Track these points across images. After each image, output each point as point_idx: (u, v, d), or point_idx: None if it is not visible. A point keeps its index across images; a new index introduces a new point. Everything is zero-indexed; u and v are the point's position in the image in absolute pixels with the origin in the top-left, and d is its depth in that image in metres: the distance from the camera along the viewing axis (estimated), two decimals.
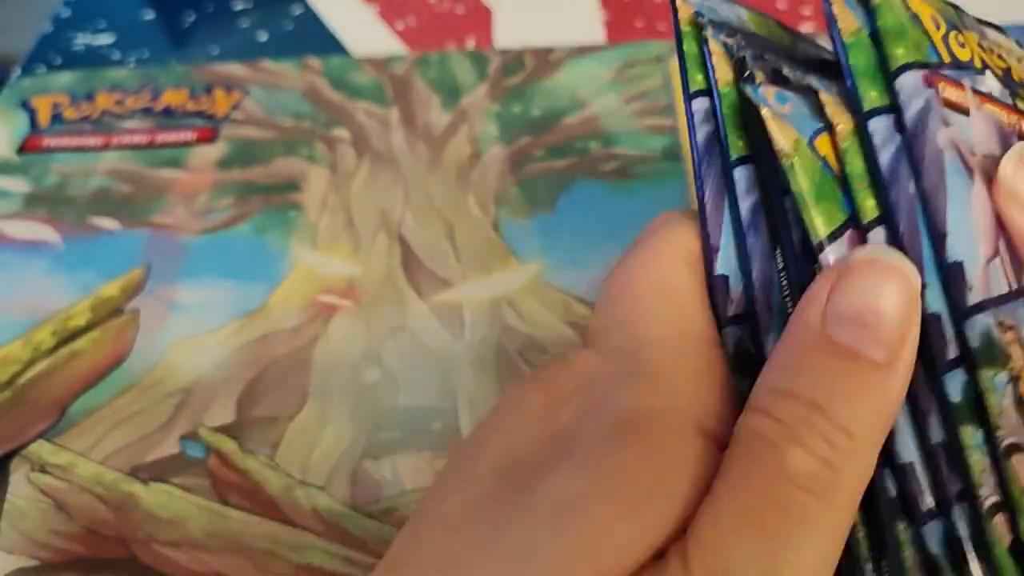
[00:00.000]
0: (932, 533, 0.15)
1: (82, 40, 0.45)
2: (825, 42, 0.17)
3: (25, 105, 0.41)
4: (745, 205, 0.16)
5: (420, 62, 0.41)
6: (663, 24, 0.42)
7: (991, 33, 0.18)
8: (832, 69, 0.16)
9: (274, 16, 0.45)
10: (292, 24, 0.45)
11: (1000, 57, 0.17)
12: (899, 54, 0.15)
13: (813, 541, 0.14)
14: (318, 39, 0.44)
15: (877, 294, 0.14)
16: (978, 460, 0.15)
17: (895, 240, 0.15)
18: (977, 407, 0.15)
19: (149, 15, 0.46)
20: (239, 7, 0.46)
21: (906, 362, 0.14)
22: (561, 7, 0.44)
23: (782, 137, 0.15)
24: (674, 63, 0.39)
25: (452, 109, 0.39)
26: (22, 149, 0.39)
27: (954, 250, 0.15)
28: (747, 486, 0.14)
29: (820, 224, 0.15)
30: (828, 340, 0.14)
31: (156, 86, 0.41)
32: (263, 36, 0.44)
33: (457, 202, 0.35)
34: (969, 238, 0.15)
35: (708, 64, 0.17)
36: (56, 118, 0.40)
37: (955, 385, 0.15)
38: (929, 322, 0.15)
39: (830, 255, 0.15)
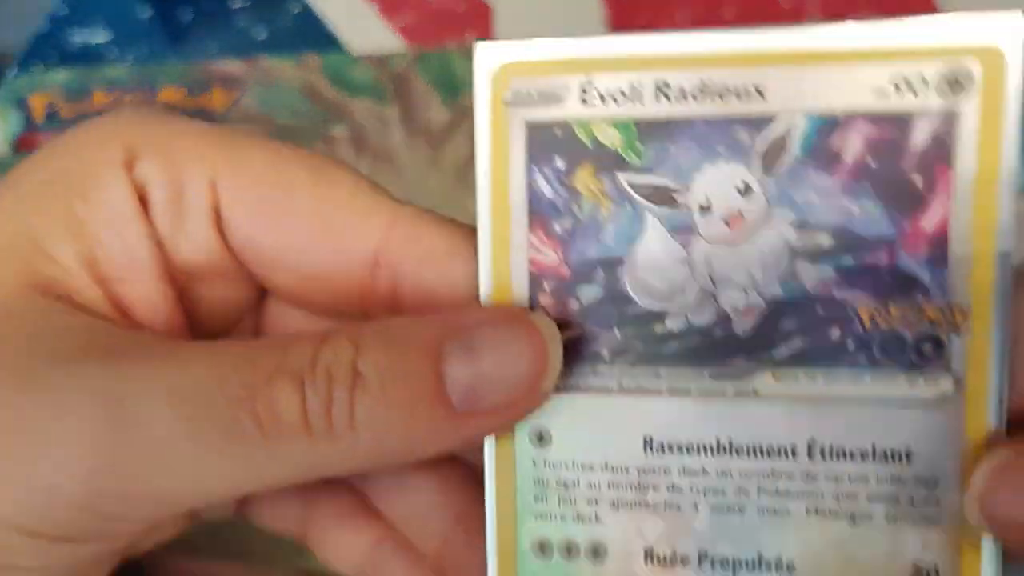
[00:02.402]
0: None
1: (79, 38, 0.45)
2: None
3: (20, 103, 0.41)
4: None
5: (419, 59, 0.41)
6: (665, 22, 0.42)
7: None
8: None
9: (272, 13, 0.45)
10: (290, 21, 0.44)
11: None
12: None
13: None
14: (317, 36, 0.43)
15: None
16: None
17: None
18: None
19: (146, 13, 0.46)
20: (237, 5, 0.46)
21: None
22: (561, 4, 0.44)
23: None
24: None
25: (452, 107, 0.39)
26: (17, 147, 0.39)
27: None
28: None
29: None
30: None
31: (153, 84, 0.41)
32: (261, 34, 0.44)
33: (457, 201, 0.35)
34: None
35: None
36: (51, 116, 0.40)
37: None
38: None
39: None
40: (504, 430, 0.16)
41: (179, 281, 0.18)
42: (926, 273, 0.14)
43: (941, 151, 0.14)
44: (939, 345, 0.14)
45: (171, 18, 0.46)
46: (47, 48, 0.44)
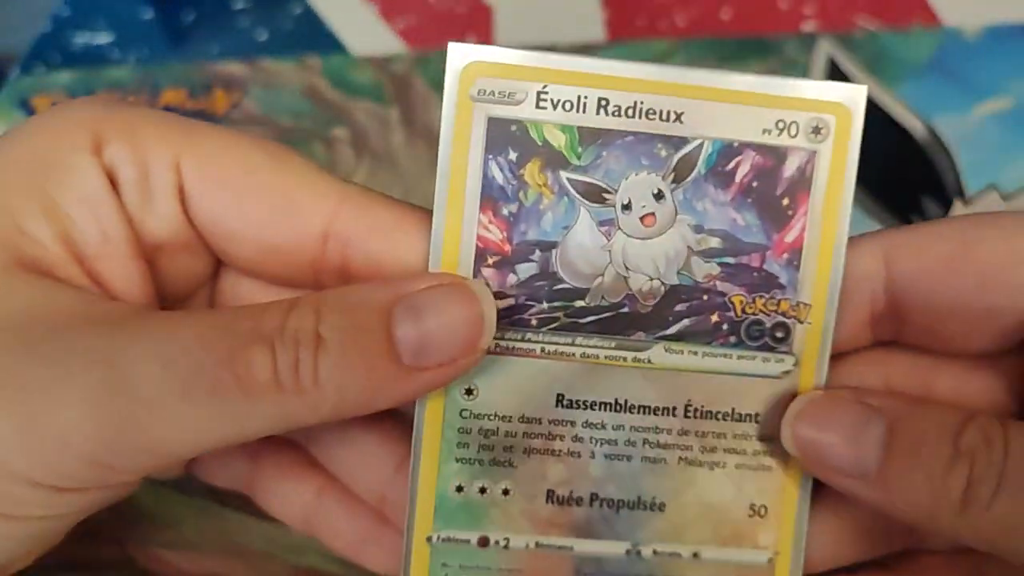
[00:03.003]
0: None
1: (81, 39, 0.45)
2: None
3: (24, 105, 0.41)
4: None
5: (420, 61, 0.41)
6: (664, 23, 0.42)
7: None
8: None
9: (274, 15, 0.45)
10: (292, 23, 0.45)
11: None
12: None
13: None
14: (318, 38, 0.43)
15: None
16: None
17: None
18: None
19: (148, 14, 0.46)
20: (239, 6, 0.46)
21: None
22: (561, 6, 0.44)
23: None
24: None
25: None
26: None
27: None
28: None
29: None
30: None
31: (155, 85, 0.41)
32: (263, 35, 0.44)
33: None
34: None
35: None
36: None
37: None
38: None
39: None
40: (445, 384, 0.18)
41: (147, 256, 0.19)
42: (785, 275, 0.18)
43: (804, 180, 0.18)
44: (787, 331, 0.18)
45: (173, 19, 0.46)
46: (50, 49, 0.44)
